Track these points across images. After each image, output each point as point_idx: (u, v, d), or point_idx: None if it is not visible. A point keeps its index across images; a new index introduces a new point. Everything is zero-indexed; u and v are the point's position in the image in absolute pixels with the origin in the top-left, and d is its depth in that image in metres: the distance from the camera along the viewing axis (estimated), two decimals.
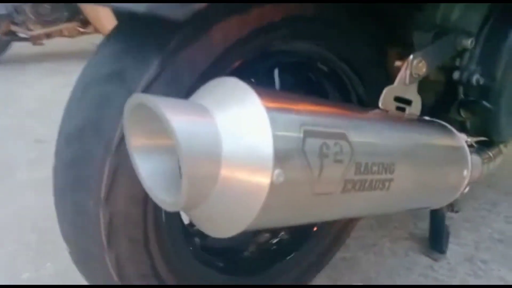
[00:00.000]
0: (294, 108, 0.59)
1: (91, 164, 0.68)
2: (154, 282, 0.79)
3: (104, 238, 0.70)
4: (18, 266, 1.26)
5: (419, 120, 0.87)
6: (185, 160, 0.50)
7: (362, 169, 0.62)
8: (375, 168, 0.65)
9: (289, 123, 0.55)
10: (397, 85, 0.82)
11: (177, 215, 0.82)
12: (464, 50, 0.98)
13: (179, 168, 0.60)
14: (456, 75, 1.00)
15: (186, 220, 0.87)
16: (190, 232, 0.90)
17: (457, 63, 1.01)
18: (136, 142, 0.58)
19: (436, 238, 1.30)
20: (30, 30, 3.68)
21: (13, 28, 3.73)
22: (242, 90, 0.55)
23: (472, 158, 0.91)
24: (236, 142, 0.53)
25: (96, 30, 3.56)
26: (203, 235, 0.88)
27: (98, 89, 0.70)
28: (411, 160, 0.74)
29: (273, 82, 0.92)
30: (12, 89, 3.18)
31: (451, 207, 1.16)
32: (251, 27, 0.77)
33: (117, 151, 0.66)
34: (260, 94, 0.54)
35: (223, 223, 0.57)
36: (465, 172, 0.87)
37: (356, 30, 0.94)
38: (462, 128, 1.03)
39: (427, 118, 0.90)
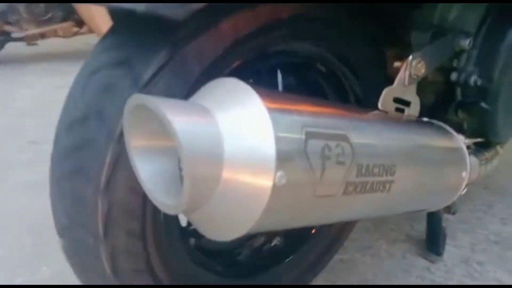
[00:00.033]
0: (295, 109, 0.58)
1: (92, 152, 0.67)
2: (147, 278, 0.76)
3: (100, 228, 0.68)
4: (12, 269, 1.25)
5: (418, 122, 0.87)
6: (187, 162, 0.49)
7: (364, 171, 0.62)
8: (376, 170, 0.64)
9: (291, 124, 0.55)
10: (396, 86, 0.82)
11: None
12: (462, 51, 0.98)
13: (179, 170, 0.60)
14: (454, 76, 1.00)
15: (183, 222, 0.87)
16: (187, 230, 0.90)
17: (455, 64, 1.01)
18: (135, 143, 0.58)
19: (433, 240, 1.30)
20: (24, 30, 3.65)
21: (7, 28, 3.70)
22: (243, 91, 0.55)
23: (470, 160, 0.91)
24: (237, 143, 0.52)
25: (91, 30, 3.54)
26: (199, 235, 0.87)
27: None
28: (412, 162, 0.74)
29: (271, 83, 0.92)
30: (6, 90, 3.15)
31: (448, 208, 1.16)
32: (250, 27, 0.76)
33: (120, 140, 0.65)
34: (261, 94, 0.54)
35: (224, 225, 0.56)
36: (463, 174, 0.87)
37: (354, 30, 0.94)
38: (459, 129, 1.03)
39: (425, 119, 0.89)
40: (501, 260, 1.29)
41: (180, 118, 0.50)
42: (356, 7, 0.91)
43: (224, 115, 0.53)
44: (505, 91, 1.03)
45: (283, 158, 0.52)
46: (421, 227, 1.39)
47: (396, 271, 1.25)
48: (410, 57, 0.83)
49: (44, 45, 4.03)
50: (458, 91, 1.02)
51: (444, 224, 1.30)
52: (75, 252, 0.75)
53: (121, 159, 0.65)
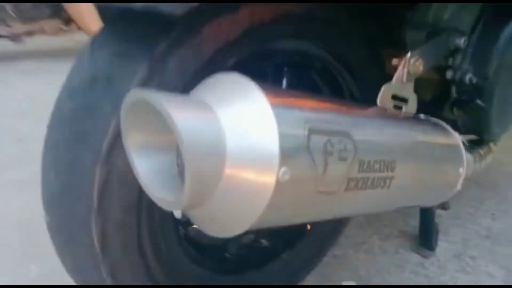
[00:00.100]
0: (298, 105, 0.58)
1: (96, 118, 0.66)
2: (137, 258, 0.73)
3: (95, 198, 0.66)
4: (0, 268, 1.23)
5: (416, 118, 0.87)
6: (189, 157, 0.48)
7: (365, 166, 0.62)
8: (377, 166, 0.64)
9: (294, 120, 0.55)
10: (395, 84, 0.82)
11: None
12: (457, 49, 0.99)
13: (178, 166, 0.59)
14: (449, 74, 1.01)
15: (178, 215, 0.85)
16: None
17: (450, 62, 1.01)
18: (133, 139, 0.57)
19: (426, 236, 1.31)
20: (10, 27, 3.58)
21: None
22: (246, 86, 0.54)
23: (466, 156, 0.92)
24: (240, 139, 0.51)
25: (79, 28, 3.48)
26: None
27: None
28: (411, 158, 0.74)
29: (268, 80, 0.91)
30: None
31: (442, 204, 1.17)
32: (243, 26, 0.75)
33: None
34: (264, 90, 0.53)
35: (226, 222, 0.56)
36: (460, 170, 0.88)
37: (352, 29, 0.94)
38: (454, 127, 1.04)
39: (423, 116, 0.90)
40: (492, 255, 1.31)
41: (182, 113, 0.49)
42: (352, 7, 0.90)
43: (225, 110, 0.53)
44: (499, 89, 1.04)
45: (286, 154, 0.52)
46: (414, 223, 1.40)
47: (390, 266, 1.25)
48: (409, 55, 0.83)
49: (31, 42, 3.96)
50: (453, 89, 1.02)
51: (436, 219, 1.31)
52: (63, 225, 0.72)
53: None
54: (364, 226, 1.43)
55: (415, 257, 1.29)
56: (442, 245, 1.34)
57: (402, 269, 1.24)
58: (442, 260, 1.28)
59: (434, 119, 0.91)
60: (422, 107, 0.92)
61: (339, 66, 0.96)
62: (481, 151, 1.09)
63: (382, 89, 0.80)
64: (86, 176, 0.66)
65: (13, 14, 3.55)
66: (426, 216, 1.29)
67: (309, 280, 1.14)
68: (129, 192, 0.67)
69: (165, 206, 0.54)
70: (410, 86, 0.85)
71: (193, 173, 0.49)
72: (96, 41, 0.73)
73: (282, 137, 0.51)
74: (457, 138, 0.90)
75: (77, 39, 3.95)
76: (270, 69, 0.91)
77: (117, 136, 0.63)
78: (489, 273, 1.24)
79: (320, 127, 0.57)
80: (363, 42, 0.97)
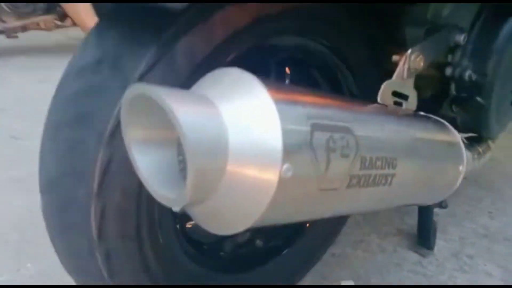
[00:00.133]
0: (300, 100, 0.57)
1: (102, 98, 0.64)
2: (133, 245, 0.71)
3: (96, 180, 0.64)
4: None
5: (416, 116, 0.87)
6: (191, 153, 0.47)
7: (367, 163, 0.61)
8: (378, 163, 0.63)
9: (297, 115, 0.54)
10: (395, 80, 0.81)
11: None
12: (457, 46, 0.98)
13: (179, 163, 0.58)
14: (448, 71, 1.01)
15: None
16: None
17: (449, 59, 1.01)
18: (134, 134, 0.56)
19: (424, 234, 1.30)
20: (3, 22, 3.54)
21: None
22: (248, 81, 0.53)
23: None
24: (243, 134, 0.50)
25: (74, 24, 3.46)
26: None
27: None
28: (412, 155, 0.74)
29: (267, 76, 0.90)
30: None
31: (440, 203, 1.16)
32: (246, 20, 0.74)
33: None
34: (267, 85, 0.52)
35: (228, 219, 0.55)
36: (460, 167, 0.88)
37: (352, 26, 0.93)
38: (452, 124, 1.04)
39: (423, 113, 0.89)
40: (490, 254, 1.31)
41: (184, 107, 0.48)
42: (351, 4, 0.90)
43: (227, 105, 0.52)
44: (498, 87, 1.03)
45: (289, 150, 0.51)
46: (411, 221, 1.40)
47: (388, 265, 1.25)
48: (409, 51, 0.82)
49: (25, 38, 3.92)
50: (453, 86, 1.02)
51: (434, 218, 1.31)
52: (59, 209, 0.70)
53: None
54: (361, 224, 1.43)
55: (413, 256, 1.29)
56: (440, 244, 1.33)
57: (401, 268, 1.24)
58: (440, 259, 1.28)
59: (434, 117, 0.90)
60: (421, 104, 0.92)
61: (339, 62, 0.95)
62: (480, 149, 1.09)
63: (383, 85, 0.79)
64: (88, 159, 0.65)
65: (7, 9, 3.51)
66: (424, 214, 1.29)
67: (307, 280, 1.13)
68: (130, 176, 0.64)
69: (166, 203, 0.53)
70: (411, 82, 0.84)
71: (196, 169, 0.47)
72: (102, 26, 0.72)
73: (285, 133, 0.51)
74: (457, 136, 0.90)
75: (72, 35, 3.93)
76: (271, 65, 0.90)
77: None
78: (487, 272, 1.24)
79: (323, 123, 0.56)
80: (363, 38, 0.96)
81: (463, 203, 1.57)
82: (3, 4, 3.46)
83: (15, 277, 1.17)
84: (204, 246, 0.92)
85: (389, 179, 0.67)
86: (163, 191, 0.54)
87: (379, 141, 0.66)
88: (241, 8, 0.72)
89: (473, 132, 1.12)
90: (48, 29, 3.70)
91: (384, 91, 0.79)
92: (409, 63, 0.82)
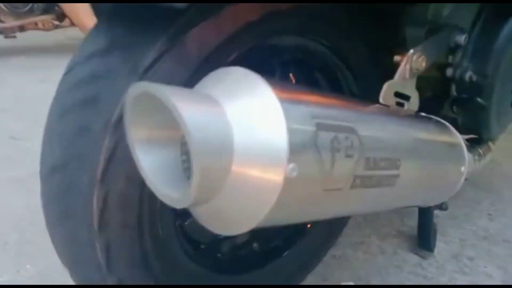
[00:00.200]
0: (304, 100, 0.57)
1: (110, 83, 0.64)
2: (134, 235, 0.70)
3: (100, 167, 0.63)
4: None
5: (418, 116, 0.87)
6: (196, 152, 0.47)
7: (371, 164, 0.61)
8: (382, 164, 0.63)
9: (302, 115, 0.53)
10: (397, 80, 0.81)
11: None
12: (458, 46, 0.98)
13: (182, 163, 0.58)
14: (449, 71, 1.01)
15: None
16: None
17: (450, 59, 1.01)
18: (137, 133, 0.55)
19: (424, 236, 1.30)
20: (1, 22, 3.53)
21: None
22: (253, 80, 0.53)
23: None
24: (248, 134, 0.50)
25: (72, 24, 3.45)
26: None
27: None
28: (416, 156, 0.74)
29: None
30: None
31: (440, 204, 1.16)
32: (243, 22, 0.74)
33: (143, 77, 0.63)
34: (271, 84, 0.52)
35: (232, 219, 0.54)
36: (462, 169, 0.87)
37: (352, 26, 0.93)
38: (453, 125, 1.04)
39: (424, 114, 0.89)
40: (490, 256, 1.31)
41: (189, 107, 0.48)
42: (352, 4, 0.90)
43: (232, 105, 0.52)
44: (499, 88, 1.04)
45: (294, 150, 0.51)
46: (411, 223, 1.40)
47: (388, 267, 1.25)
48: (411, 51, 0.82)
49: (23, 38, 3.91)
50: (453, 87, 1.02)
51: (434, 220, 1.31)
52: (60, 195, 0.68)
53: None
54: (361, 225, 1.43)
55: (414, 258, 1.28)
56: (440, 246, 1.33)
57: (401, 269, 1.24)
58: (440, 261, 1.28)
59: (435, 118, 0.90)
60: (422, 105, 0.92)
61: (339, 62, 0.95)
62: (480, 150, 1.09)
63: (385, 86, 0.79)
64: (94, 145, 0.64)
65: (5, 9, 3.50)
66: (425, 216, 1.28)
67: (307, 281, 1.13)
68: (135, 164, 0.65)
69: (170, 203, 0.53)
70: (412, 83, 0.84)
71: (201, 169, 0.47)
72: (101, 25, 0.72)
73: (291, 132, 0.50)
74: (459, 137, 0.90)
75: (71, 34, 3.92)
76: (273, 64, 0.90)
77: None
78: (487, 273, 1.24)
79: (327, 123, 0.56)
80: (363, 39, 0.96)
81: (463, 205, 1.57)
82: (1, 4, 3.45)
83: (14, 278, 1.17)
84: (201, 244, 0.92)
85: (393, 179, 0.67)
86: (167, 190, 0.53)
87: (382, 142, 0.66)
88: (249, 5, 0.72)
89: (473, 133, 1.12)
90: (46, 29, 3.69)
91: (386, 92, 0.79)
92: (411, 63, 0.82)
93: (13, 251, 1.27)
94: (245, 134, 0.50)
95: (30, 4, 3.52)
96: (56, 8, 3.57)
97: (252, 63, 0.82)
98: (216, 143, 0.49)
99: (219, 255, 0.94)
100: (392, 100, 0.81)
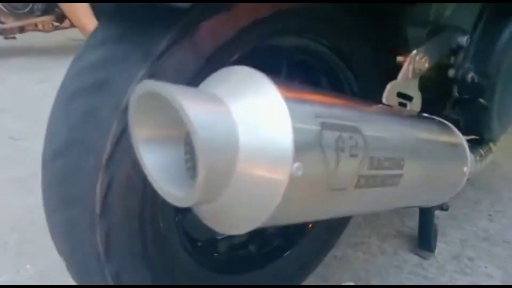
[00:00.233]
0: (309, 99, 0.57)
1: (121, 67, 0.64)
2: (135, 224, 0.69)
3: (107, 151, 0.62)
4: None
5: (421, 117, 0.87)
6: (202, 151, 0.47)
7: (375, 164, 0.61)
8: (386, 163, 0.63)
9: (306, 114, 0.53)
10: (400, 81, 0.81)
11: None
12: (459, 47, 0.99)
13: (186, 161, 0.58)
14: (451, 72, 1.01)
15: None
16: None
17: (452, 60, 1.01)
18: (141, 132, 0.55)
19: (425, 236, 1.30)
20: (1, 23, 3.53)
21: None
22: (258, 79, 0.53)
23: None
24: (253, 133, 0.50)
25: (72, 25, 3.44)
26: None
27: None
28: (419, 156, 0.74)
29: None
30: None
31: (441, 205, 1.17)
32: (243, 22, 0.74)
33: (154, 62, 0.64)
34: (276, 83, 0.52)
35: (237, 218, 0.54)
36: (465, 169, 0.88)
37: (353, 26, 0.93)
38: (455, 126, 1.04)
39: (426, 115, 0.90)
40: (490, 256, 1.31)
41: (195, 106, 0.48)
42: (354, 4, 0.90)
43: (238, 104, 0.52)
44: (501, 88, 1.04)
45: (300, 149, 0.51)
46: (412, 223, 1.40)
47: (388, 267, 1.25)
48: (414, 52, 0.83)
49: (23, 39, 3.90)
50: (455, 87, 1.02)
51: (434, 220, 1.31)
52: (63, 180, 0.67)
53: None
54: (361, 226, 1.43)
55: (414, 258, 1.29)
56: (440, 246, 1.33)
57: (401, 270, 1.24)
58: (440, 261, 1.28)
59: (438, 118, 0.90)
60: (424, 105, 0.92)
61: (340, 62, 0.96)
62: (482, 151, 1.09)
63: (388, 86, 0.79)
64: (100, 129, 0.64)
65: (5, 10, 3.50)
66: (425, 216, 1.29)
67: (308, 281, 1.13)
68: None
69: (174, 202, 0.53)
70: (415, 84, 0.85)
71: (206, 167, 0.47)
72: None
73: (296, 131, 0.50)
74: (461, 138, 0.90)
75: (71, 36, 3.92)
76: (275, 65, 0.90)
77: None
78: (487, 274, 1.24)
79: (332, 122, 0.56)
80: (364, 39, 0.97)
81: (463, 205, 1.58)
82: (1, 5, 3.45)
83: (14, 278, 1.16)
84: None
85: (397, 179, 0.67)
86: (171, 189, 0.53)
87: (386, 142, 0.66)
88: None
89: (475, 134, 1.12)
90: (46, 30, 3.69)
91: (389, 92, 0.79)
92: (413, 64, 0.82)
93: (13, 251, 1.27)
94: (251, 133, 0.50)
95: (30, 5, 3.51)
96: (56, 9, 3.57)
97: (254, 63, 0.84)
98: (221, 142, 0.49)
99: (216, 254, 0.94)
100: (395, 100, 0.81)
